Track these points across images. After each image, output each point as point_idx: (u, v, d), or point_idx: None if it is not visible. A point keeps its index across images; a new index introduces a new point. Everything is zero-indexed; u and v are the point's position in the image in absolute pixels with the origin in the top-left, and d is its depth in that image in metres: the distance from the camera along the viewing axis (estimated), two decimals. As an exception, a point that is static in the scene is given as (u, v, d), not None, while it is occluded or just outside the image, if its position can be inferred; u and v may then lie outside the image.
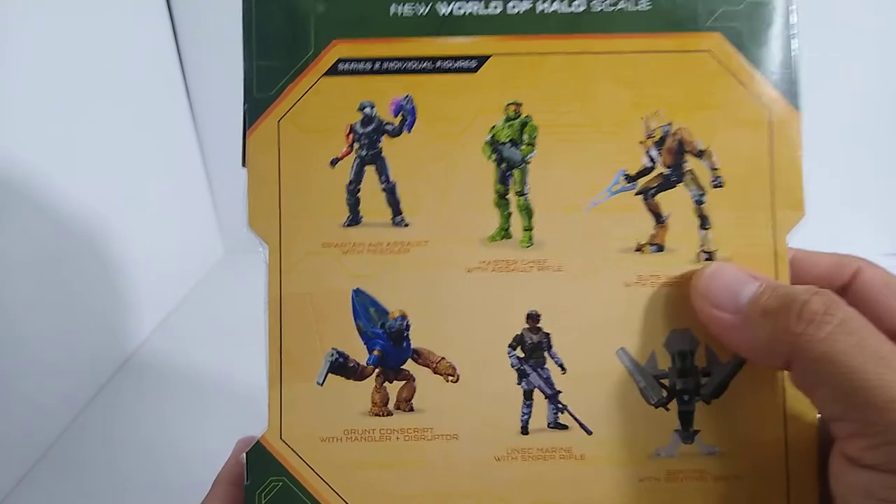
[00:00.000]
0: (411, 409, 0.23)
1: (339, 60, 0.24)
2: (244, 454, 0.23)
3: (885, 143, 0.63)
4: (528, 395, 0.23)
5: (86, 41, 0.48)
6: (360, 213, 0.24)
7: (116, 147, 0.52)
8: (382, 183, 0.24)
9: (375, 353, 0.23)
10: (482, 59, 0.24)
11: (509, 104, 0.24)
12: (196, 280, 0.64)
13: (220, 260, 0.66)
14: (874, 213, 0.65)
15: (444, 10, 0.24)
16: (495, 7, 0.24)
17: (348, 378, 0.23)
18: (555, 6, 0.24)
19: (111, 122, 0.51)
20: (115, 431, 0.48)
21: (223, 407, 0.48)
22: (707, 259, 0.24)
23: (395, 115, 0.24)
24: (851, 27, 0.59)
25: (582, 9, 0.24)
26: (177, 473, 0.44)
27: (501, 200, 0.24)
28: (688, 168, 0.24)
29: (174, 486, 0.42)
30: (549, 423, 0.23)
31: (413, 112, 0.24)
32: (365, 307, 0.23)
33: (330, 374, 0.23)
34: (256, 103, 0.24)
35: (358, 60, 0.24)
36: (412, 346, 0.23)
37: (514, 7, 0.24)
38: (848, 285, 0.23)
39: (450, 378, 0.23)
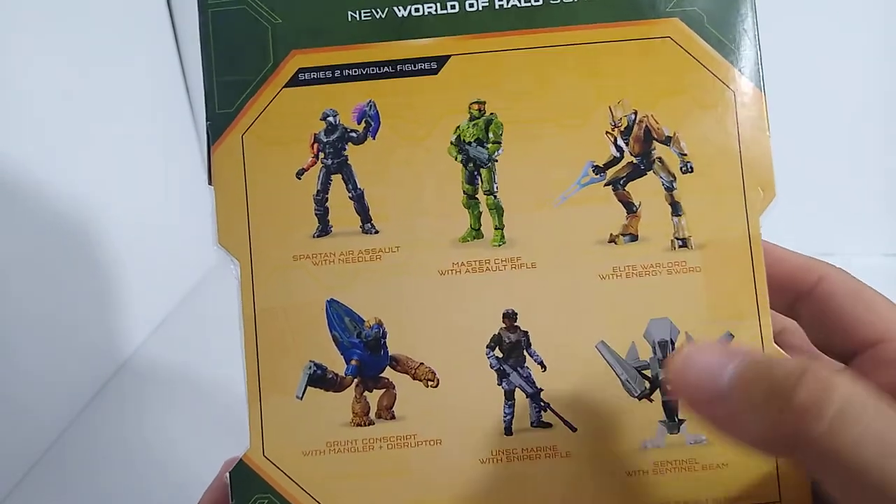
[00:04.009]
0: (393, 417, 0.23)
1: (300, 70, 0.24)
2: (227, 474, 0.22)
3: (885, 143, 0.62)
4: (509, 396, 0.23)
5: (85, 43, 0.48)
6: (330, 223, 0.23)
7: (113, 148, 0.51)
8: (350, 191, 0.23)
9: (353, 362, 0.23)
10: (442, 60, 0.24)
11: (473, 103, 0.24)
12: (193, 283, 0.63)
13: (218, 263, 0.66)
14: (873, 213, 0.65)
15: (401, 12, 0.24)
16: (452, 6, 0.24)
17: (327, 390, 0.23)
18: (513, 2, 0.24)
19: (109, 123, 0.51)
20: (111, 436, 0.48)
21: (220, 411, 0.48)
22: (682, 246, 0.23)
23: (359, 122, 0.24)
24: (851, 23, 0.58)
25: (540, 2, 0.24)
26: (173, 479, 0.44)
27: (471, 200, 0.24)
28: (656, 155, 0.24)
29: (170, 492, 0.42)
30: (532, 423, 0.23)
31: (376, 118, 0.24)
32: (340, 317, 0.23)
33: (309, 387, 0.23)
34: (219, 119, 0.24)
35: (318, 69, 0.24)
36: (390, 354, 0.23)
37: (471, 6, 0.24)
38: (812, 290, 0.23)
39: (429, 383, 0.23)
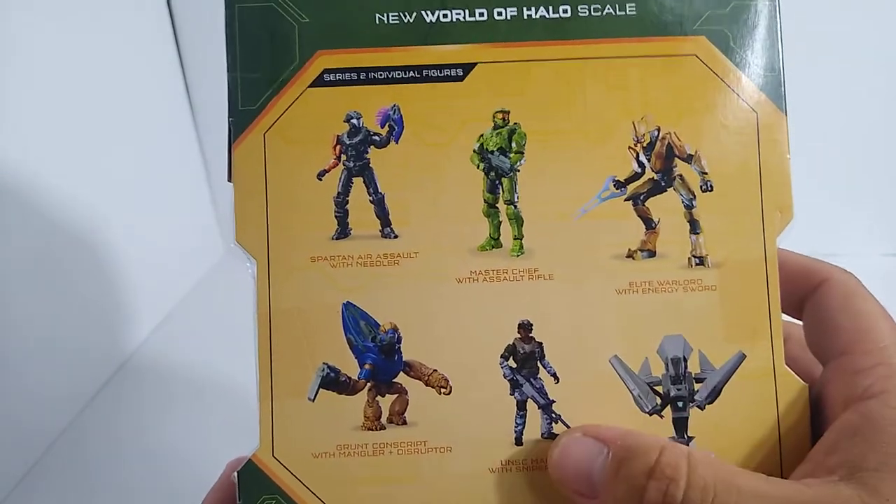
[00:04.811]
0: (404, 423, 0.23)
1: (325, 71, 0.23)
2: (235, 473, 0.22)
3: (883, 143, 0.63)
4: (521, 406, 0.23)
5: (86, 42, 0.48)
6: (349, 226, 0.23)
7: (116, 146, 0.51)
8: (371, 195, 0.23)
9: (367, 366, 0.23)
10: (469, 67, 0.24)
11: (497, 112, 0.24)
12: (196, 280, 0.63)
13: (220, 260, 0.66)
14: (873, 213, 0.65)
15: (430, 17, 0.24)
16: (481, 14, 0.24)
17: (340, 393, 0.23)
18: (541, 12, 0.24)
19: (110, 121, 0.51)
20: (114, 433, 0.48)
21: (222, 409, 0.48)
22: (699, 264, 0.23)
23: (383, 126, 0.24)
24: (847, 26, 0.59)
25: (568, 14, 0.24)
26: (176, 475, 0.44)
27: (491, 209, 0.24)
28: (677, 172, 0.24)
29: (173, 489, 0.42)
30: (542, 434, 0.23)
31: (400, 122, 0.23)
32: (355, 320, 0.23)
33: (321, 390, 0.23)
34: (241, 116, 0.23)
35: (343, 71, 0.24)
36: (404, 359, 0.23)
37: (500, 14, 0.24)
38: (814, 292, 0.23)
39: (442, 390, 0.23)
